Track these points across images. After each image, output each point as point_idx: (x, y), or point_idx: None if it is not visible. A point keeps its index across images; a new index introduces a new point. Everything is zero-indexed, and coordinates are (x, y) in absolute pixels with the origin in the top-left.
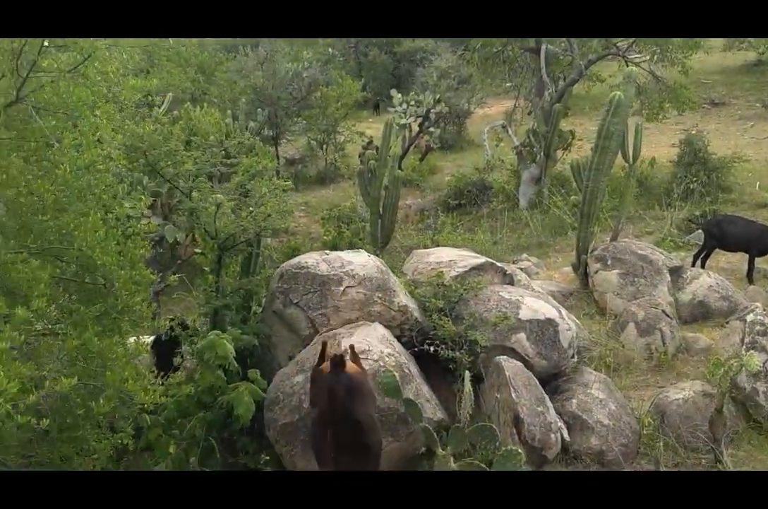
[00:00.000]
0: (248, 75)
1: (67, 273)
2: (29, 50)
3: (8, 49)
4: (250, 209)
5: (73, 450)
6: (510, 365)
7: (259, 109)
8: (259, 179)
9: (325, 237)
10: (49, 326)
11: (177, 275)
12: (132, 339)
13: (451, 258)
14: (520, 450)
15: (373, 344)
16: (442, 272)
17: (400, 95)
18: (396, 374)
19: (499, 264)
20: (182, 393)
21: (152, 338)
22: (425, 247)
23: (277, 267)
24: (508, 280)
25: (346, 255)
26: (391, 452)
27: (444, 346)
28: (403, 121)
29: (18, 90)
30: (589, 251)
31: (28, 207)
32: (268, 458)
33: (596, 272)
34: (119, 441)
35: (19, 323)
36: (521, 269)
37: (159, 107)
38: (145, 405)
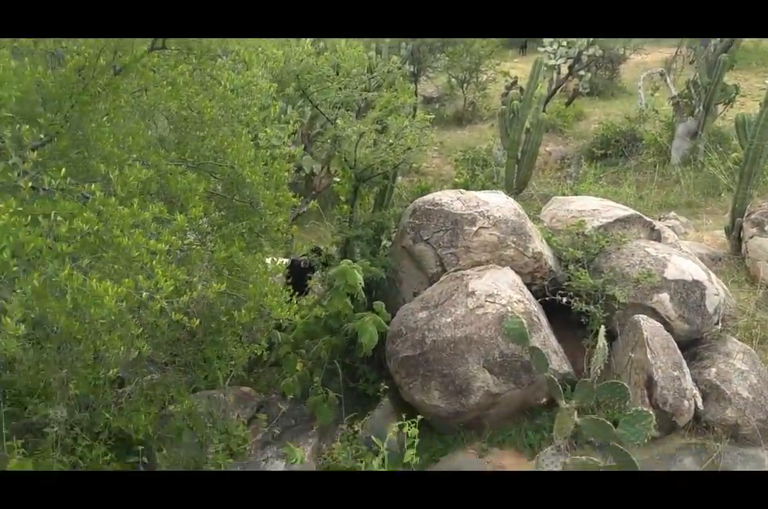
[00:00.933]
0: None
1: (218, 189)
2: None
3: None
4: (390, 141)
5: (215, 353)
6: (649, 325)
7: (403, 44)
8: (395, 115)
9: (456, 179)
10: (200, 238)
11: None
12: (269, 259)
13: (595, 207)
14: (651, 412)
15: (502, 289)
16: (583, 221)
17: None
18: (524, 320)
19: (647, 218)
20: (311, 315)
21: (287, 260)
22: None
23: (406, 206)
24: (655, 236)
25: (483, 195)
26: (511, 399)
27: (578, 299)
28: (552, 62)
29: None
30: (745, 214)
31: (187, 122)
32: (386, 387)
33: (751, 237)
34: (254, 352)
35: (177, 229)
36: (669, 227)
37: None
38: (280, 321)
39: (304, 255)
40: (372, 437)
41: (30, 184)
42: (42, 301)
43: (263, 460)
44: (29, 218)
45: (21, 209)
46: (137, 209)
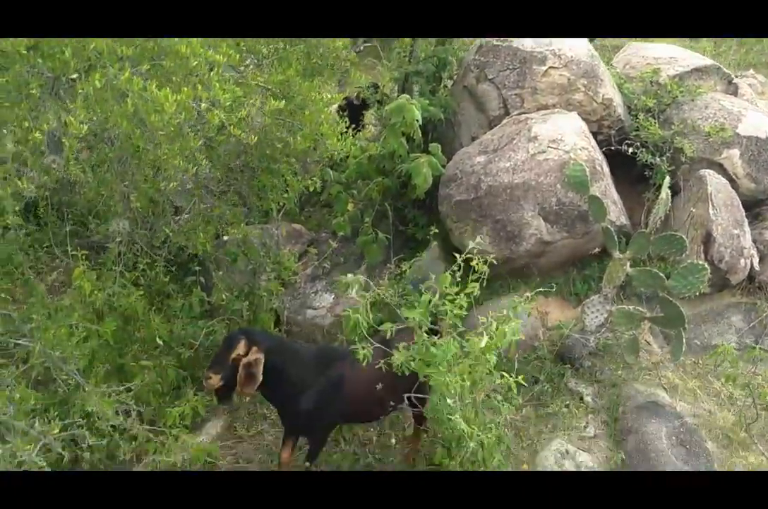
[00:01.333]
0: None
1: None
2: None
3: None
4: None
5: (270, 181)
6: (714, 180)
7: None
8: None
9: None
10: (257, 62)
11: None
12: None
13: (672, 55)
14: (706, 266)
15: (567, 135)
16: (659, 68)
17: None
18: (586, 168)
19: (725, 70)
20: (364, 156)
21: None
22: None
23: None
24: (732, 90)
25: None
26: (563, 248)
27: (644, 150)
28: None
29: None
30: None
31: None
32: (436, 231)
33: None
34: (307, 188)
35: (234, 41)
36: (747, 85)
37: None
38: (333, 155)
39: (358, 89)
40: (419, 277)
41: None
42: (103, 104)
43: (313, 292)
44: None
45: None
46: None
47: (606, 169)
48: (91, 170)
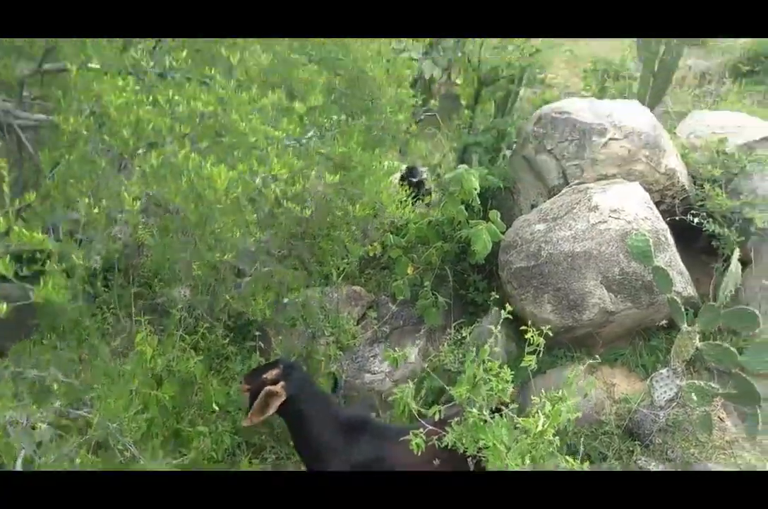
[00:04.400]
0: None
1: (340, 85)
2: None
3: None
4: (517, 42)
5: (330, 247)
6: None
7: None
8: None
9: (584, 92)
10: (319, 134)
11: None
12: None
13: (740, 124)
14: None
15: (629, 205)
16: (725, 137)
17: None
18: (649, 238)
19: None
20: (424, 221)
21: (403, 166)
22: None
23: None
24: None
25: (615, 104)
26: (627, 318)
27: (710, 220)
28: None
29: None
30: None
31: None
32: (497, 297)
33: None
34: (367, 253)
35: (296, 117)
36: None
37: None
38: (394, 220)
39: (419, 158)
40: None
41: (154, 67)
42: (159, 181)
43: (372, 356)
44: (150, 98)
45: (139, 87)
46: (256, 95)
47: (671, 239)
48: (157, 234)
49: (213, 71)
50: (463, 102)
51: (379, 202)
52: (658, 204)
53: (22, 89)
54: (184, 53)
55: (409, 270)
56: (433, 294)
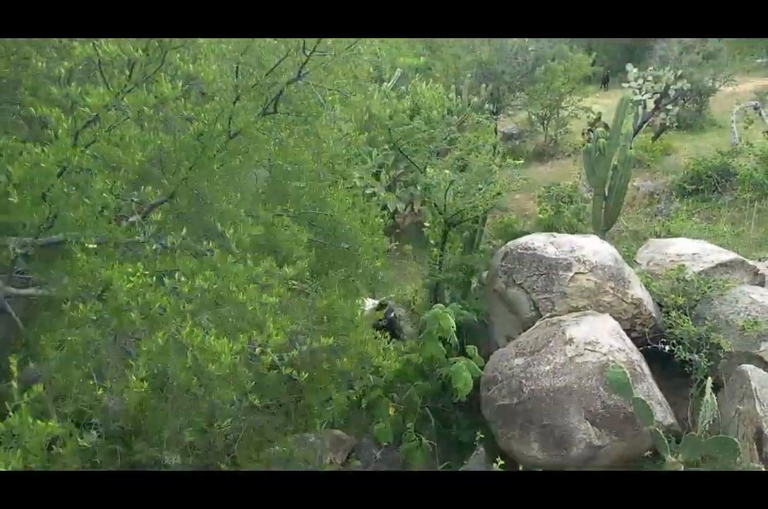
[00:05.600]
0: (475, 50)
1: (318, 237)
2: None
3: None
4: (479, 186)
5: (316, 399)
6: (757, 375)
7: (483, 85)
8: (476, 154)
9: (540, 215)
10: (301, 286)
11: (395, 244)
12: (368, 302)
13: (694, 251)
14: (763, 469)
15: (602, 337)
16: (683, 265)
17: (636, 70)
18: (626, 370)
19: (750, 262)
20: (404, 360)
21: (374, 302)
22: (656, 234)
23: (491, 244)
24: (759, 280)
25: (576, 239)
26: (613, 451)
27: (680, 347)
28: (637, 97)
29: (300, 68)
30: None
31: (288, 175)
32: (483, 435)
33: None
34: (350, 398)
35: (284, 280)
36: None
37: (387, 82)
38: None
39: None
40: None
41: (154, 244)
42: (164, 357)
43: None
44: (154, 278)
45: (143, 267)
46: (251, 265)
47: (646, 369)
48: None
49: (210, 245)
50: (432, 242)
51: (365, 353)
52: (629, 332)
53: (13, 265)
54: (184, 230)
55: (390, 411)
56: (416, 436)
